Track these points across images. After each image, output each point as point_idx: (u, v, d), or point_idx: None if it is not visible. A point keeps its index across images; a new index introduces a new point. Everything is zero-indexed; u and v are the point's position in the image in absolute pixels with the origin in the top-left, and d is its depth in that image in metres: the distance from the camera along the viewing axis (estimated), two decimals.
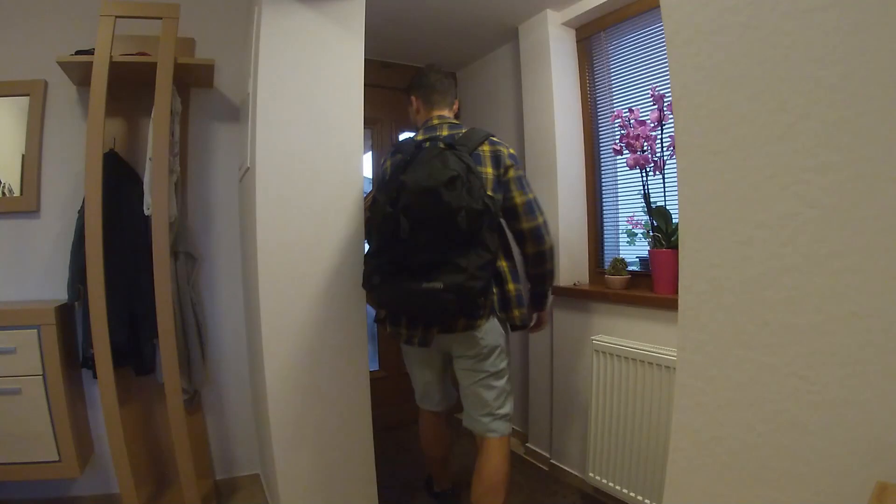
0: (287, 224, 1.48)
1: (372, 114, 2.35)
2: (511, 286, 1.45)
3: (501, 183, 1.41)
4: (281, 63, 1.47)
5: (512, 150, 1.46)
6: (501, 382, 1.47)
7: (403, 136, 2.34)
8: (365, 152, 2.35)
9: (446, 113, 1.55)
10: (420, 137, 1.44)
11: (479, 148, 1.41)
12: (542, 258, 1.47)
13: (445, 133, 1.46)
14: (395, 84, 2.60)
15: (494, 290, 1.41)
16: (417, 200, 1.23)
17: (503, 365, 1.46)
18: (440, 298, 1.25)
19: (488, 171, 1.39)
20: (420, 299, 1.27)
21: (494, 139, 1.45)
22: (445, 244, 1.25)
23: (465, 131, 1.45)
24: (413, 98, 1.60)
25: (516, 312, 1.45)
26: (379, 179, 1.45)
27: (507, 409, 1.49)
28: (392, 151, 1.49)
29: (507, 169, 1.42)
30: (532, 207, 1.43)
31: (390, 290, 1.32)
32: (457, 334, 1.40)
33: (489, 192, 1.35)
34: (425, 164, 1.26)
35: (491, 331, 1.41)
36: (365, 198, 1.57)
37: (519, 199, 1.42)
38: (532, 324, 1.66)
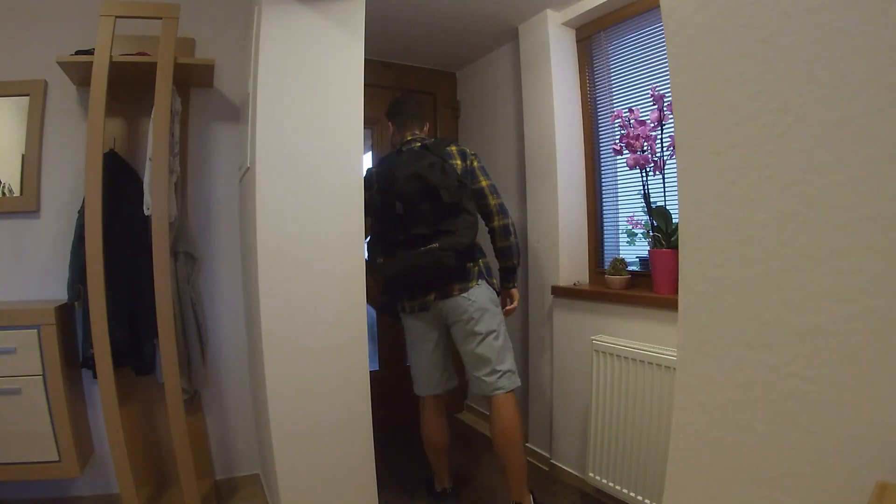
0: (287, 223, 1.48)
1: (372, 114, 2.34)
2: (485, 259, 1.71)
3: (468, 171, 1.70)
4: (281, 63, 1.47)
5: (472, 150, 1.78)
6: (499, 341, 1.64)
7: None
8: (365, 152, 2.36)
9: (417, 132, 1.80)
10: (397, 151, 1.76)
11: (447, 148, 1.71)
12: (506, 230, 1.71)
13: (418, 144, 1.73)
14: (395, 84, 2.60)
15: (479, 261, 1.66)
16: (406, 185, 1.57)
17: (495, 325, 1.64)
18: (437, 255, 1.54)
19: (457, 163, 1.68)
20: (421, 260, 1.55)
21: (457, 143, 1.79)
22: (434, 216, 1.57)
23: (435, 139, 1.76)
24: (391, 124, 1.86)
25: (494, 280, 1.72)
26: (367, 187, 1.64)
27: (509, 363, 1.66)
28: (376, 164, 1.80)
29: (471, 160, 1.73)
30: (494, 189, 1.73)
31: (393, 262, 1.60)
32: (453, 299, 1.61)
33: (479, 183, 1.70)
34: (408, 160, 1.63)
35: (481, 294, 1.63)
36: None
37: (484, 182, 1.72)
38: (509, 306, 1.84)
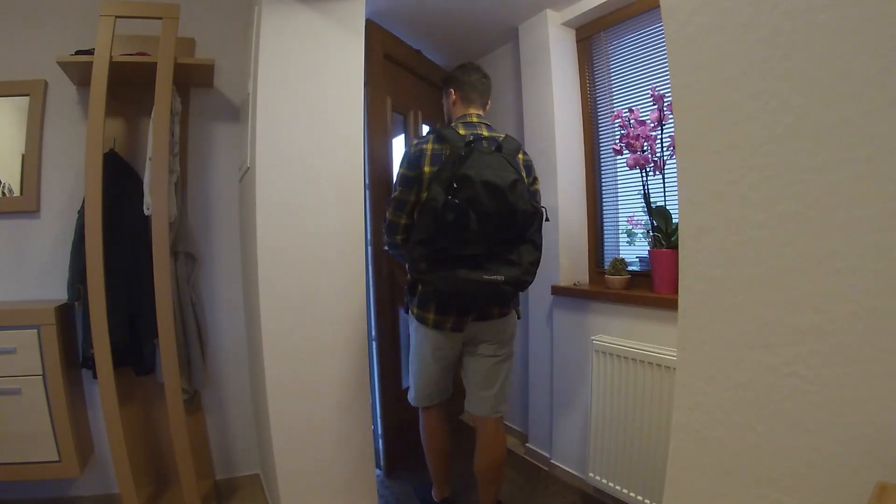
0: (287, 224, 1.48)
1: (403, 101, 2.31)
2: None
3: (529, 191, 1.47)
4: (281, 63, 1.47)
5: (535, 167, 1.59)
6: (509, 364, 1.62)
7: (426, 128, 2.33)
8: (396, 135, 2.33)
9: (482, 112, 1.60)
10: (462, 132, 1.49)
11: (518, 156, 1.50)
12: (535, 265, 1.47)
13: (486, 133, 1.50)
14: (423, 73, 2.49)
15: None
16: (485, 196, 1.33)
17: (512, 350, 1.62)
18: (500, 290, 1.38)
19: (524, 177, 1.45)
20: (481, 289, 1.38)
21: (524, 149, 1.57)
22: (499, 239, 1.38)
23: (505, 137, 1.50)
24: (452, 90, 1.62)
25: (518, 307, 1.63)
26: (414, 164, 1.46)
27: (508, 389, 1.63)
28: (432, 139, 1.48)
29: (534, 180, 1.56)
30: (543, 218, 1.50)
31: (443, 279, 1.39)
32: (490, 322, 1.53)
33: (537, 198, 1.54)
34: (487, 163, 1.35)
35: (514, 321, 1.60)
36: (396, 184, 1.52)
37: (537, 202, 1.53)
38: None
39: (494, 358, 1.57)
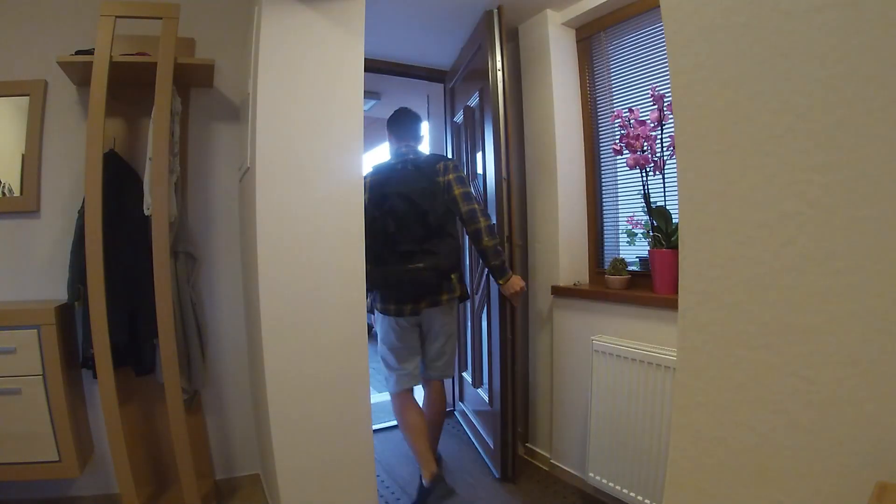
0: (287, 223, 1.48)
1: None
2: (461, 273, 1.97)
3: (446, 186, 1.84)
4: (281, 63, 1.47)
5: (455, 162, 1.95)
6: (454, 339, 2.01)
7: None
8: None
9: (412, 144, 1.96)
10: (392, 161, 1.92)
11: (436, 165, 1.87)
12: (477, 234, 1.82)
13: (412, 157, 1.90)
14: None
15: (459, 275, 1.92)
16: (399, 204, 1.75)
17: (455, 328, 2.00)
18: (422, 276, 1.77)
19: (442, 179, 1.85)
20: (407, 276, 1.76)
21: (446, 158, 1.94)
22: (421, 236, 1.78)
23: (427, 155, 1.93)
24: (388, 132, 2.01)
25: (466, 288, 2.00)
26: (366, 194, 1.78)
27: (453, 360, 2.04)
28: (371, 172, 1.91)
29: (450, 174, 1.86)
30: (467, 196, 1.83)
31: (381, 273, 1.78)
32: (440, 307, 1.88)
33: (453, 193, 1.83)
34: (402, 180, 1.81)
35: (456, 304, 1.97)
36: None
37: (457, 192, 1.84)
38: (516, 287, 1.91)
39: (445, 335, 1.93)
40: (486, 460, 2.23)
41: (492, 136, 2.09)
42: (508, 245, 2.02)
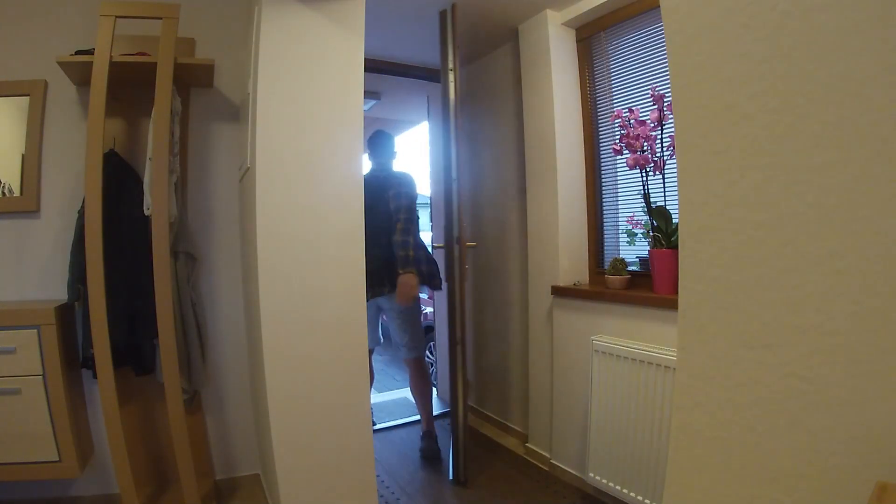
0: (287, 223, 1.48)
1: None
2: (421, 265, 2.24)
3: (395, 202, 2.23)
4: (281, 63, 1.47)
5: (412, 177, 2.32)
6: (413, 318, 2.35)
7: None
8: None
9: (382, 161, 2.40)
10: (368, 175, 2.28)
11: (392, 181, 2.26)
12: (399, 244, 2.17)
13: (382, 173, 2.33)
14: None
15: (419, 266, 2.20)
16: (371, 212, 1.84)
17: (417, 308, 2.36)
18: (380, 262, 2.16)
19: (391, 193, 2.24)
20: (371, 262, 1.89)
21: (402, 175, 2.32)
22: (387, 234, 2.19)
23: (392, 172, 2.35)
24: (366, 154, 2.36)
25: (434, 280, 2.31)
26: None
27: (418, 338, 2.37)
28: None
29: (392, 188, 2.25)
30: (398, 209, 2.21)
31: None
32: (392, 293, 2.19)
33: (390, 207, 2.23)
34: (372, 191, 1.94)
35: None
36: None
37: (392, 205, 2.22)
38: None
39: (400, 318, 2.30)
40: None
41: (441, 137, 2.12)
42: (458, 246, 2.02)
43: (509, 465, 2.22)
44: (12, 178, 1.77)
